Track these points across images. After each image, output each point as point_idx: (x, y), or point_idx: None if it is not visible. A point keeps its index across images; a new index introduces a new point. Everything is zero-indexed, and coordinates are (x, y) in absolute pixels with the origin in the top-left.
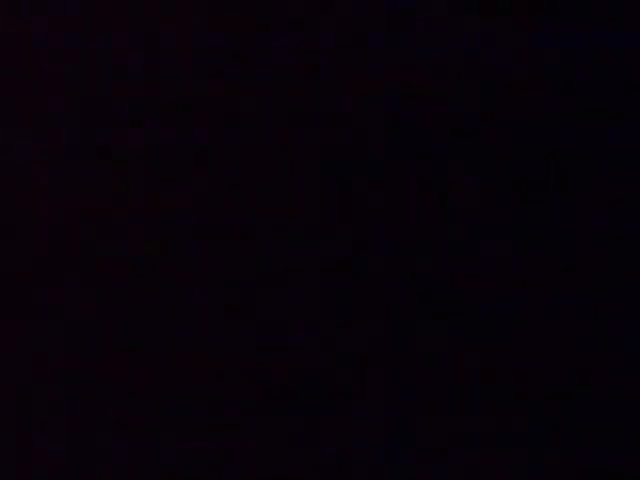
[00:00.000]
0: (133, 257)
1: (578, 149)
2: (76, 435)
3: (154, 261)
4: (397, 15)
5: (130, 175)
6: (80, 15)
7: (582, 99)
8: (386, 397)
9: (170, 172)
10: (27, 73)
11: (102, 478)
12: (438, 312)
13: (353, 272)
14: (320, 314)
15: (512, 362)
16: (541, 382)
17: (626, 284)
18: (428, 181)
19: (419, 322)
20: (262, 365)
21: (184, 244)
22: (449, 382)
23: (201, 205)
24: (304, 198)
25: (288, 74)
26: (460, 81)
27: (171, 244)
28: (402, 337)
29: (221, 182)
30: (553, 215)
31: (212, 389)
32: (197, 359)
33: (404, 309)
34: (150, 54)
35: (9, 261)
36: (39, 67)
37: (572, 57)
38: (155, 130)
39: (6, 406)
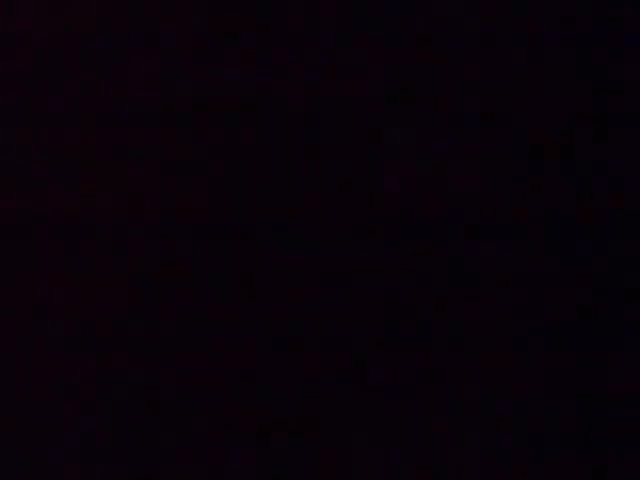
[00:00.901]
0: (133, 257)
1: (578, 149)
2: (76, 435)
3: (154, 261)
4: (397, 15)
5: (130, 175)
6: (80, 15)
7: (582, 99)
8: (385, 396)
9: (170, 172)
10: (27, 73)
11: (102, 478)
12: (438, 312)
13: (352, 272)
14: (320, 314)
15: (512, 362)
16: (540, 382)
17: (627, 284)
18: (428, 181)
19: (419, 322)
20: (262, 365)
21: (184, 244)
22: (448, 382)
23: (201, 205)
24: (304, 198)
25: (288, 74)
26: (460, 81)
27: (171, 244)
28: (402, 337)
29: (221, 182)
30: (553, 215)
31: (212, 389)
32: (197, 359)
33: (404, 309)
34: (150, 54)
35: (9, 261)
36: (39, 67)
37: (572, 57)
38: (155, 130)
39: (6, 406)
